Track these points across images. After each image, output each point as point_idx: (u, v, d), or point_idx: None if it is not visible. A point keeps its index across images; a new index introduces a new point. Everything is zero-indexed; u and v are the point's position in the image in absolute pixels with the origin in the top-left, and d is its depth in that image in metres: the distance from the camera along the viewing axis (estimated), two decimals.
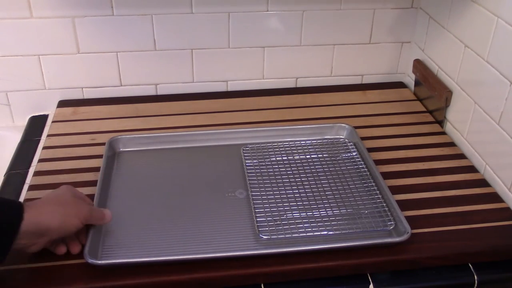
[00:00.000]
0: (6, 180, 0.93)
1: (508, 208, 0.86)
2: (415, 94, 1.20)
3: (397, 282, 0.76)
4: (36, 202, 0.71)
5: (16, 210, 0.67)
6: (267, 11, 1.12)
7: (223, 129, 1.03)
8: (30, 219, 0.67)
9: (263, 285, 0.75)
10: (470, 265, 0.78)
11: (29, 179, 0.92)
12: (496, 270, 0.78)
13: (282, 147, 0.98)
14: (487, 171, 0.93)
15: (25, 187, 0.91)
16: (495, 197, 0.88)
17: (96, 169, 0.93)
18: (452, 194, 0.89)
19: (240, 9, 1.10)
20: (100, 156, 0.96)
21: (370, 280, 0.76)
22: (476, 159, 0.96)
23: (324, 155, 0.96)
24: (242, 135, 1.01)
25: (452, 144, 1.02)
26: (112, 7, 1.06)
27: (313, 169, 0.93)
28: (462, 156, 0.99)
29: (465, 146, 1.00)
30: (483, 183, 0.92)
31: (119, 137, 0.98)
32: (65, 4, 1.04)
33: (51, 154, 0.97)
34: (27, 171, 0.95)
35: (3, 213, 0.66)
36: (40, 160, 0.96)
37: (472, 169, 0.95)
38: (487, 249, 0.78)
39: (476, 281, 0.77)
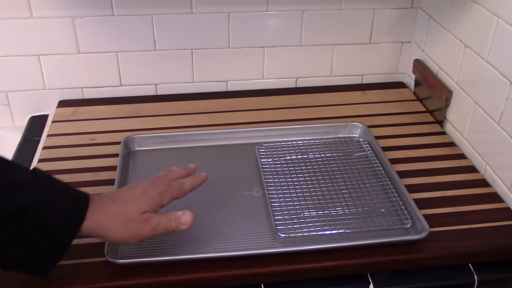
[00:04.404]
0: None
1: (508, 208, 0.86)
2: (415, 94, 1.20)
3: (397, 282, 0.76)
4: (103, 199, 0.67)
5: (80, 206, 0.64)
6: (267, 11, 1.12)
7: (237, 128, 1.03)
8: (93, 219, 0.64)
9: (263, 285, 0.75)
10: (470, 265, 0.78)
11: None
12: (496, 270, 0.78)
13: (296, 146, 0.98)
14: (487, 171, 0.93)
15: None
16: (495, 197, 0.88)
17: (96, 169, 0.93)
18: (452, 194, 0.89)
19: (240, 9, 1.11)
20: (99, 156, 0.96)
21: (370, 280, 0.76)
22: (476, 159, 0.96)
23: (339, 154, 0.97)
24: (256, 134, 1.01)
25: (452, 144, 1.02)
26: (112, 7, 1.06)
27: (328, 167, 0.93)
28: (462, 156, 0.99)
29: (465, 146, 1.00)
30: (483, 183, 0.92)
31: (134, 136, 0.99)
32: (65, 4, 1.04)
33: (51, 154, 0.97)
34: None
35: (69, 203, 0.63)
36: (40, 160, 0.96)
37: (472, 169, 0.95)
38: (487, 249, 0.78)
39: (476, 281, 0.77)
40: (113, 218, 0.66)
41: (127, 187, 0.73)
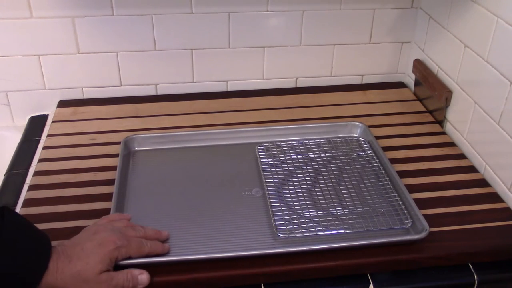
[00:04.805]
0: (6, 180, 0.93)
1: (508, 208, 0.86)
2: (415, 94, 1.20)
3: (397, 282, 0.76)
4: (59, 255, 0.66)
5: (38, 264, 0.63)
6: (267, 11, 1.12)
7: (237, 127, 1.03)
8: (47, 282, 0.63)
9: (263, 285, 0.75)
10: (470, 265, 0.78)
11: (29, 179, 0.92)
12: (496, 270, 0.78)
13: (296, 146, 0.98)
14: (487, 171, 0.93)
15: (25, 187, 0.91)
16: (495, 197, 0.88)
17: (96, 169, 0.93)
18: (452, 194, 0.89)
19: (240, 9, 1.11)
20: (99, 156, 0.96)
21: (370, 280, 0.76)
22: (476, 159, 0.96)
23: (339, 153, 0.97)
24: (256, 134, 1.01)
25: (452, 144, 1.02)
26: (112, 7, 1.06)
27: (328, 167, 0.93)
28: (462, 156, 0.99)
29: (465, 146, 1.00)
30: (483, 183, 0.92)
31: (134, 136, 0.99)
32: (65, 4, 1.04)
33: (51, 154, 0.97)
34: (27, 171, 0.95)
35: (27, 262, 0.62)
36: (40, 160, 0.96)
37: (472, 169, 0.95)
38: (487, 249, 0.78)
39: (476, 281, 0.77)
40: (68, 280, 0.65)
41: (86, 234, 0.71)
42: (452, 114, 1.05)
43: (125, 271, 0.70)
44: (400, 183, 0.87)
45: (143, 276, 0.70)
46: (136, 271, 0.70)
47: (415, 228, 0.80)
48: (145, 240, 0.73)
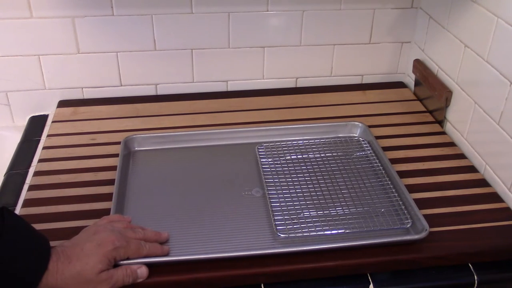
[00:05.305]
0: (6, 180, 0.93)
1: (508, 208, 0.86)
2: (415, 94, 1.20)
3: (397, 282, 0.76)
4: (59, 255, 0.66)
5: (38, 265, 0.63)
6: (267, 11, 1.12)
7: (237, 127, 1.03)
8: (47, 283, 0.64)
9: (263, 285, 0.75)
10: (470, 265, 0.78)
11: (29, 179, 0.92)
12: (496, 270, 0.78)
13: (296, 146, 0.98)
14: (487, 171, 0.93)
15: (25, 187, 0.91)
16: (495, 197, 0.88)
17: (96, 169, 0.93)
18: (452, 194, 0.89)
19: (240, 9, 1.11)
20: (99, 156, 0.96)
21: (370, 280, 0.76)
22: (476, 159, 0.96)
23: (339, 153, 0.97)
24: (256, 134, 1.01)
25: (452, 144, 1.02)
26: (112, 7, 1.06)
27: (328, 167, 0.93)
28: (462, 156, 0.99)
29: (465, 146, 1.00)
30: (483, 183, 0.92)
31: (134, 136, 0.99)
32: (65, 4, 1.04)
33: (51, 154, 0.97)
34: (27, 171, 0.95)
35: (27, 263, 0.62)
36: (40, 160, 0.96)
37: (472, 169, 0.95)
38: (487, 249, 0.78)
39: (476, 281, 0.77)
40: (68, 280, 0.65)
41: (86, 234, 0.72)
42: (452, 114, 1.05)
43: (124, 267, 0.70)
44: (400, 183, 0.87)
45: (142, 269, 0.71)
46: (134, 265, 0.71)
47: (415, 228, 0.80)
48: (144, 242, 0.74)
